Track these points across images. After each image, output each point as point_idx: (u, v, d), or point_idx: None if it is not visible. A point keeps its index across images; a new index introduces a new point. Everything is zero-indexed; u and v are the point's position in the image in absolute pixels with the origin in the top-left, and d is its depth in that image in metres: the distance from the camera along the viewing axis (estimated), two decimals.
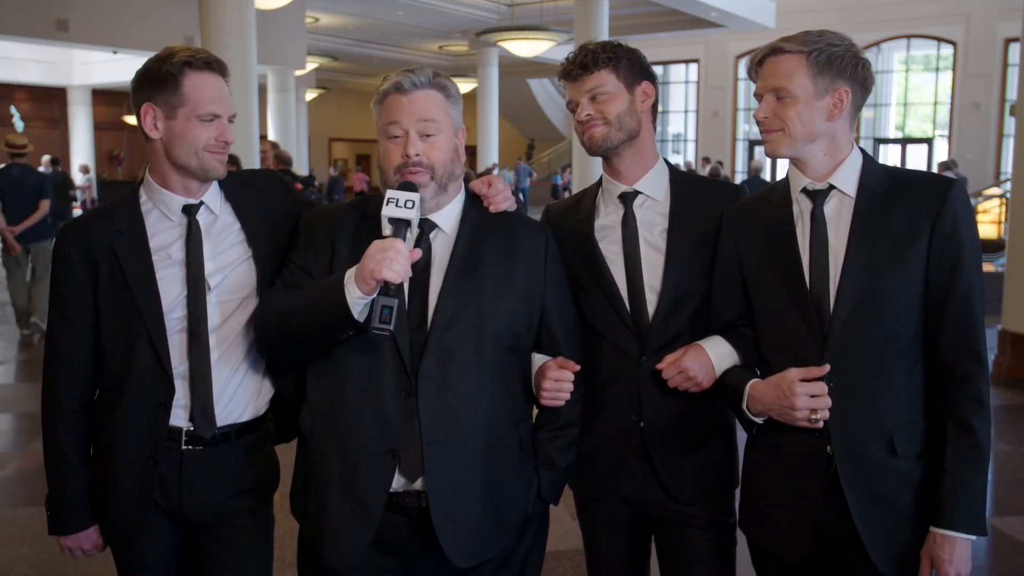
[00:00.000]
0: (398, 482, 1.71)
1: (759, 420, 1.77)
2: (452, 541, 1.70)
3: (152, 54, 1.85)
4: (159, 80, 1.79)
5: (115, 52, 15.73)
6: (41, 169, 12.49)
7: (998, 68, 20.42)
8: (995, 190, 14.73)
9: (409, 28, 19.21)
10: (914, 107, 23.76)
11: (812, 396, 1.66)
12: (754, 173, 14.05)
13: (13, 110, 19.69)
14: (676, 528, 1.96)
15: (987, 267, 9.55)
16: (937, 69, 22.28)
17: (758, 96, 1.75)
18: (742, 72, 22.84)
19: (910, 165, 20.29)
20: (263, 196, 1.97)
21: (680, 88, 26.56)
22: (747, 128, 24.57)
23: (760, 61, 1.74)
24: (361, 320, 1.63)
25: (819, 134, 1.71)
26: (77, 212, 13.27)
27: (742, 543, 1.95)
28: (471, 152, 21.77)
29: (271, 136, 15.98)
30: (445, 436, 1.70)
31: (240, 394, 1.88)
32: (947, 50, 21.54)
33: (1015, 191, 6.49)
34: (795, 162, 1.77)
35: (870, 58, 1.90)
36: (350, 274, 1.63)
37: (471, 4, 17.55)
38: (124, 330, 1.83)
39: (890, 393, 1.69)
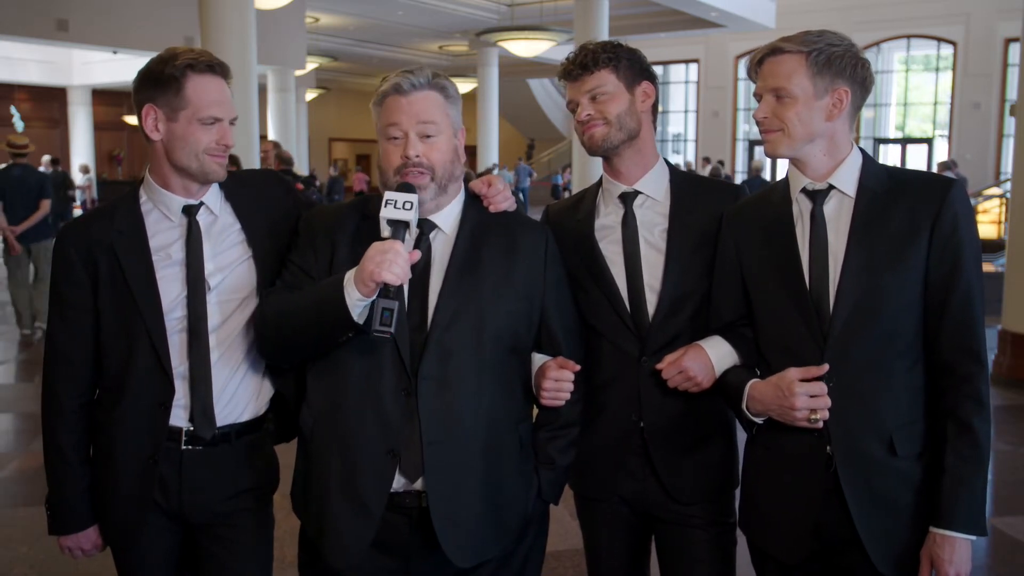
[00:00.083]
0: (398, 482, 1.71)
1: (759, 420, 1.77)
2: (452, 541, 1.70)
3: (152, 54, 1.85)
4: (161, 82, 1.79)
5: (115, 52, 15.73)
6: (41, 169, 12.49)
7: (998, 68, 20.42)
8: (995, 190, 14.73)
9: (409, 28, 19.21)
10: (914, 107, 23.76)
11: (812, 396, 1.66)
12: (754, 173, 14.06)
13: (13, 110, 19.69)
14: (676, 528, 1.96)
15: (987, 267, 9.55)
16: (937, 69, 22.28)
17: (758, 96, 1.75)
18: (742, 72, 22.84)
19: (910, 165, 20.29)
20: (263, 196, 1.97)
21: (680, 88, 26.55)
22: (747, 128, 24.57)
23: (760, 61, 1.74)
24: (361, 322, 1.63)
25: (818, 134, 1.71)
26: (77, 212, 13.27)
27: (742, 543, 1.95)
28: (471, 152, 21.77)
29: (271, 136, 15.98)
30: (445, 436, 1.70)
31: (240, 394, 1.88)
32: (947, 50, 21.54)
33: (1015, 191, 6.49)
34: (795, 162, 1.77)
35: (870, 58, 1.90)
36: (349, 276, 1.63)
37: (471, 4, 17.55)
38: (124, 330, 1.83)
39: (890, 393, 1.69)
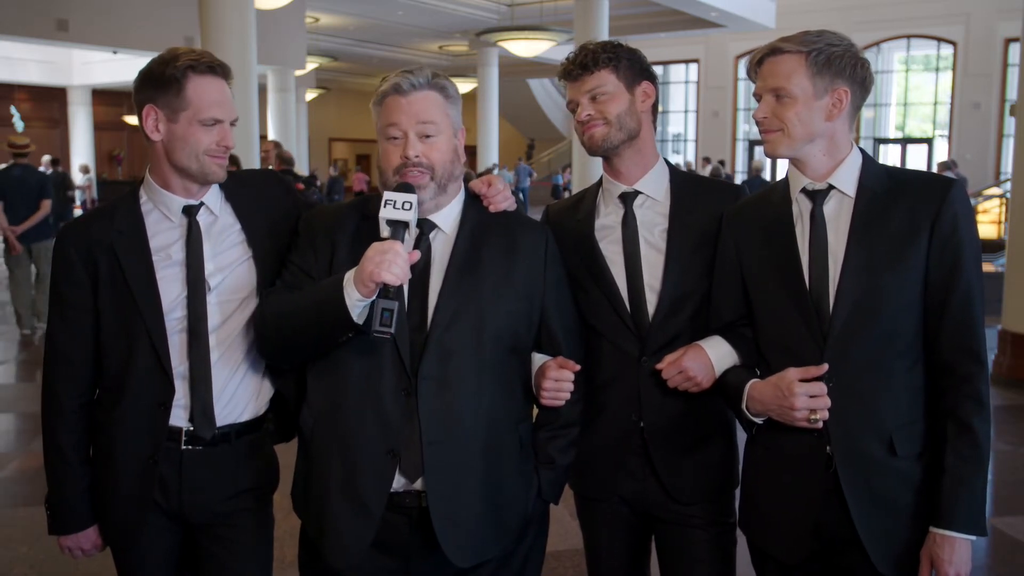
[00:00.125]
0: (398, 482, 1.71)
1: (759, 420, 1.77)
2: (452, 541, 1.70)
3: (152, 54, 1.85)
4: (162, 82, 1.78)
5: (115, 52, 15.73)
6: (41, 169, 12.49)
7: (998, 68, 20.41)
8: (995, 190, 14.73)
9: (409, 28, 19.21)
10: (914, 107, 23.75)
11: (811, 396, 1.66)
12: (754, 173, 14.06)
13: (13, 110, 19.67)
14: (676, 528, 1.96)
15: (987, 267, 9.55)
16: (937, 69, 22.28)
17: (757, 96, 1.75)
18: (742, 72, 22.83)
19: (910, 165, 20.29)
20: (263, 196, 1.97)
21: (680, 88, 26.55)
22: (747, 128, 24.56)
23: (759, 61, 1.74)
24: (361, 322, 1.63)
25: (818, 134, 1.71)
26: (77, 212, 13.27)
27: (742, 543, 1.95)
28: (471, 152, 21.77)
29: (271, 136, 15.98)
30: (445, 436, 1.70)
31: (240, 394, 1.88)
32: (947, 50, 21.54)
33: (1015, 191, 6.49)
34: (795, 162, 1.77)
35: (870, 58, 1.90)
36: (349, 276, 1.63)
37: (471, 4, 17.55)
38: (124, 330, 1.83)
39: (890, 393, 1.69)
